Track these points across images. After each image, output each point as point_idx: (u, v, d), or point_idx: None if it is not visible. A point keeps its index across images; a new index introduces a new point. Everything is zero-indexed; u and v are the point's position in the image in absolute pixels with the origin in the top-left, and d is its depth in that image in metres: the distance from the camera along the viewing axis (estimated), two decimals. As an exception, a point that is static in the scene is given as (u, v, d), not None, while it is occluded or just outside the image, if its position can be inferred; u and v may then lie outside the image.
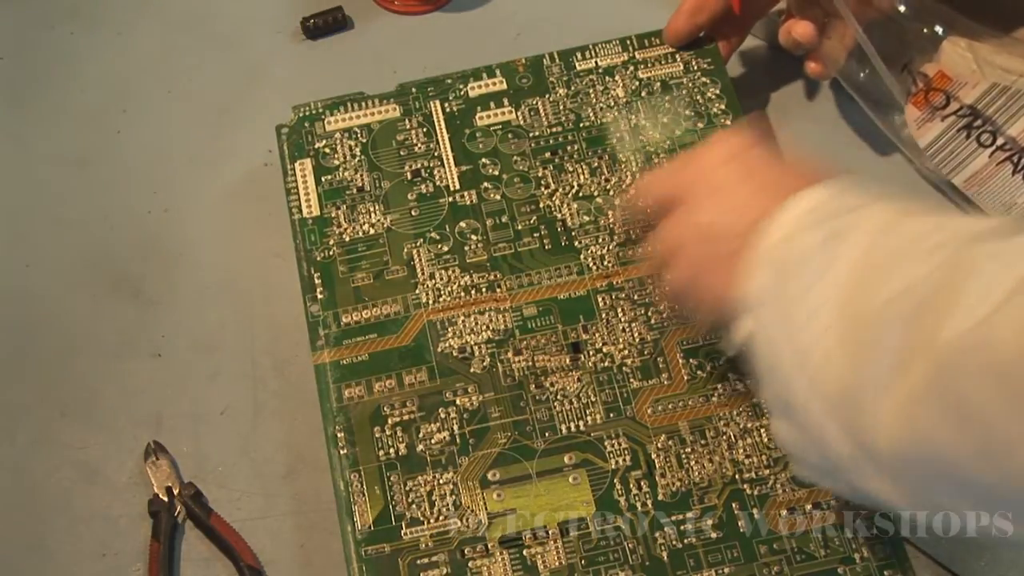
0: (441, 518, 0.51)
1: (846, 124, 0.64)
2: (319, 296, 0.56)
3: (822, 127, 0.64)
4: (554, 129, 0.60)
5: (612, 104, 0.60)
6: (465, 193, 0.58)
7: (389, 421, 0.53)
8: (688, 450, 0.52)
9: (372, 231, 0.57)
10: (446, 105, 0.61)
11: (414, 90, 0.61)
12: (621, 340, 0.54)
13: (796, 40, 0.59)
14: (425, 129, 0.60)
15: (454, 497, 0.51)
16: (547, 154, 0.59)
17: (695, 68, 0.61)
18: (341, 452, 0.52)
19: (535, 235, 0.57)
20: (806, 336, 0.40)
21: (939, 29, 0.59)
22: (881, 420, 0.37)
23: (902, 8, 0.59)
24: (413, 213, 0.58)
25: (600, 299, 0.55)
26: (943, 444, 0.36)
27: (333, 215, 0.58)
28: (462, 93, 0.61)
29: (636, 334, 0.54)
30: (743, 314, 0.43)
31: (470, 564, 0.50)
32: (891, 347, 0.37)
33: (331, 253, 0.57)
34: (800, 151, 0.49)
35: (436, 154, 0.59)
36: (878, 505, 0.40)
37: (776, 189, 0.44)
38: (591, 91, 0.61)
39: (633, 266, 0.56)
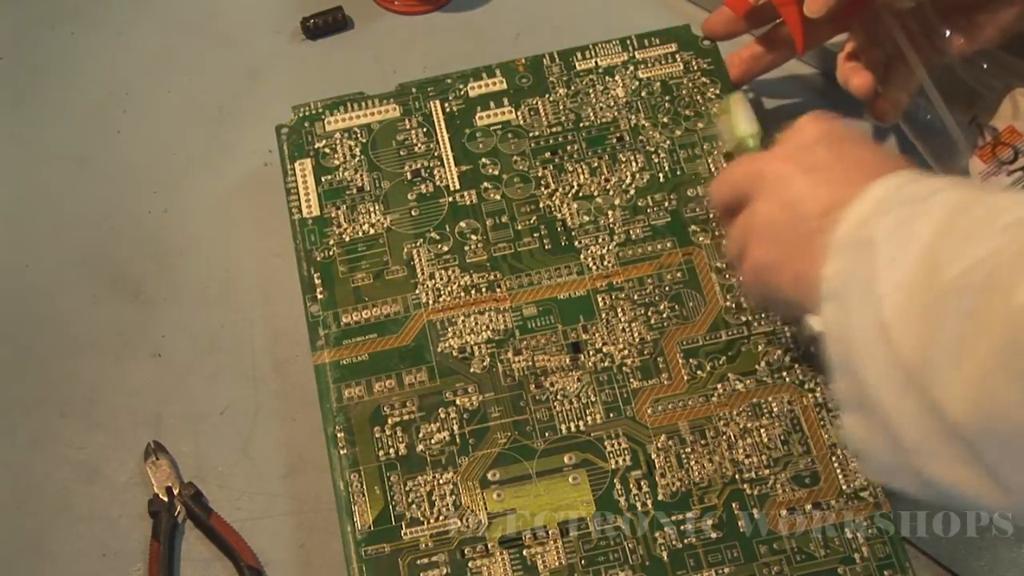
0: (441, 518, 0.51)
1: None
2: (319, 296, 0.56)
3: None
4: (554, 129, 0.60)
5: (612, 104, 0.60)
6: (465, 193, 0.58)
7: (389, 421, 0.53)
8: (688, 450, 0.52)
9: (372, 231, 0.57)
10: (446, 105, 0.61)
11: (414, 90, 0.61)
12: (621, 340, 0.54)
13: (851, 90, 0.58)
14: (425, 129, 0.60)
15: (454, 497, 0.51)
16: (547, 154, 0.59)
17: (695, 68, 0.61)
18: (341, 452, 0.52)
19: (535, 235, 0.57)
20: (882, 313, 0.39)
21: (1010, 81, 0.57)
22: (956, 392, 0.36)
23: (971, 57, 0.57)
24: (413, 213, 0.58)
25: (600, 299, 0.55)
26: (1018, 412, 0.35)
27: (333, 215, 0.58)
28: (462, 93, 0.61)
29: (636, 334, 0.54)
30: (820, 301, 0.42)
31: (470, 564, 0.50)
32: (964, 316, 0.36)
33: (331, 253, 0.57)
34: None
35: (436, 154, 0.59)
36: (949, 499, 0.39)
37: (868, 169, 0.43)
38: (591, 91, 0.61)
39: (633, 266, 0.56)
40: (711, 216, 0.57)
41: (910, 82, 0.58)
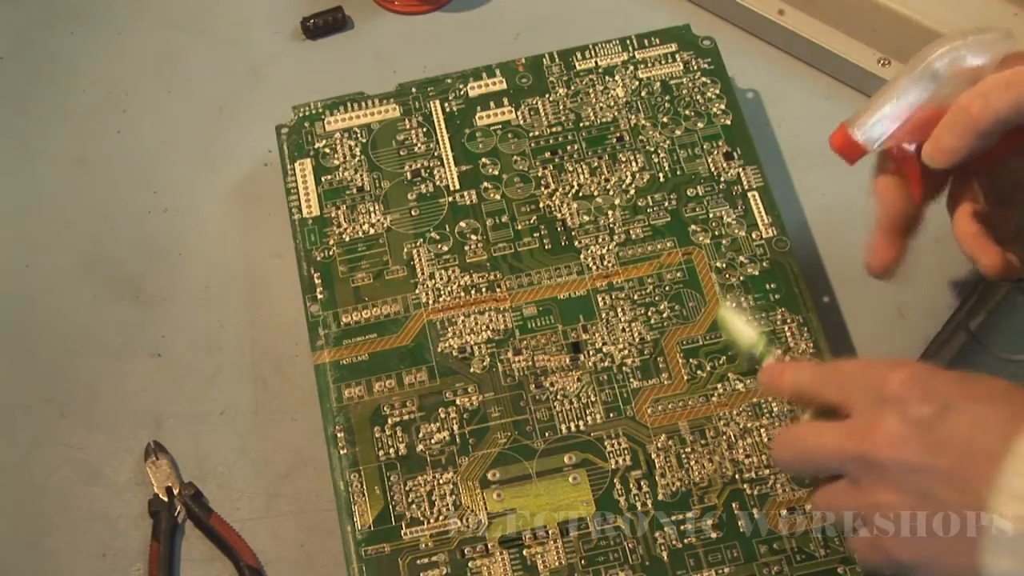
0: (441, 518, 0.51)
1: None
2: (319, 296, 0.56)
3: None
4: (554, 129, 0.60)
5: (612, 104, 0.60)
6: (465, 193, 0.58)
7: (389, 421, 0.53)
8: (688, 450, 0.52)
9: (372, 231, 0.57)
10: (446, 105, 0.61)
11: (414, 90, 0.61)
12: (621, 340, 0.54)
13: (980, 269, 0.48)
14: (425, 129, 0.60)
15: (454, 497, 0.51)
16: (547, 154, 0.59)
17: (695, 68, 0.61)
18: (341, 452, 0.52)
19: (535, 235, 0.57)
20: None
21: None
22: None
23: None
24: (413, 213, 0.58)
25: (600, 299, 0.55)
26: None
27: (333, 215, 0.58)
28: (462, 93, 0.61)
29: (636, 334, 0.54)
30: (1001, 554, 0.37)
31: (470, 564, 0.50)
32: None
33: (331, 253, 0.57)
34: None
35: (436, 154, 0.59)
36: None
37: (997, 429, 0.38)
38: (591, 91, 0.61)
39: (633, 266, 0.56)
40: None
41: None
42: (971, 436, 0.39)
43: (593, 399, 0.53)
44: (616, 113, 0.60)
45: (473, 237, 0.57)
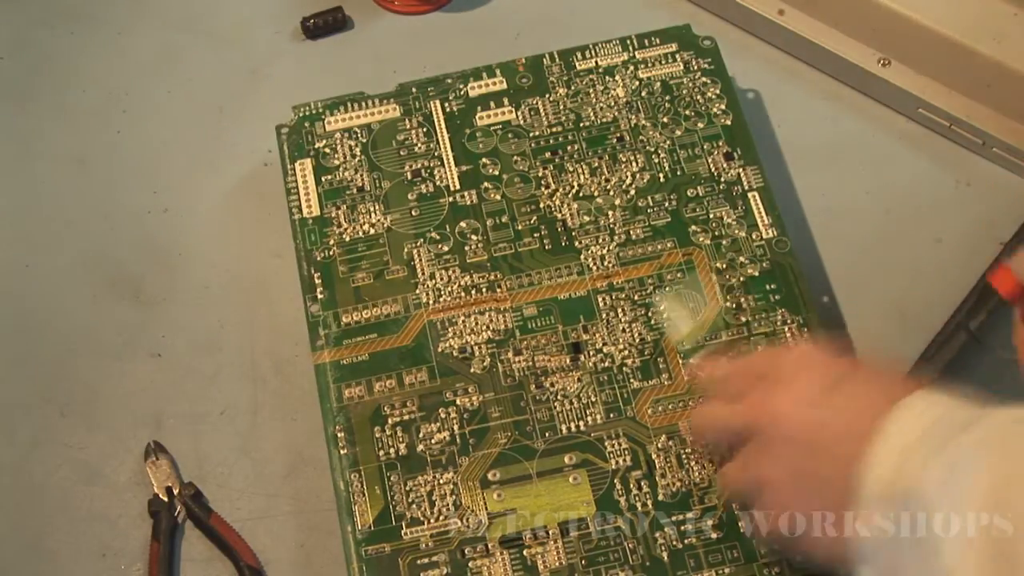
0: (441, 518, 0.51)
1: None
2: (319, 296, 0.56)
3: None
4: (554, 129, 0.60)
5: (612, 104, 0.60)
6: (465, 193, 0.58)
7: (389, 421, 0.53)
8: (688, 450, 0.52)
9: (372, 231, 0.57)
10: (446, 105, 0.61)
11: (414, 90, 0.61)
12: (621, 340, 0.54)
13: None
14: (425, 129, 0.60)
15: (454, 497, 0.51)
16: (547, 154, 0.59)
17: (695, 68, 0.61)
18: (341, 452, 0.52)
19: (535, 235, 0.57)
20: None
21: None
22: None
23: None
24: (413, 213, 0.58)
25: (600, 299, 0.55)
26: None
27: (333, 215, 0.58)
28: (462, 93, 0.61)
29: (636, 334, 0.54)
30: (861, 563, 0.40)
31: (470, 564, 0.50)
32: None
33: (331, 253, 0.57)
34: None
35: (436, 154, 0.59)
36: None
37: (878, 406, 0.41)
38: (591, 91, 0.61)
39: (633, 266, 0.56)
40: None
41: None
42: (851, 416, 0.42)
43: (593, 399, 0.53)
44: (616, 113, 0.60)
45: (473, 237, 0.57)
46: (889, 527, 0.39)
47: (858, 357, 0.44)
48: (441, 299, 0.56)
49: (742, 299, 0.55)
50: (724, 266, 0.56)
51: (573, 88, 0.61)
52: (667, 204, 0.58)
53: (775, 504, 0.44)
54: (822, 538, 0.42)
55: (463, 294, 0.56)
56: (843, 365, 0.44)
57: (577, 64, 0.62)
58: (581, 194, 0.58)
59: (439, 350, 0.54)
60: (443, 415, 0.53)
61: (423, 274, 0.56)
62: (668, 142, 0.59)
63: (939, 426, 0.39)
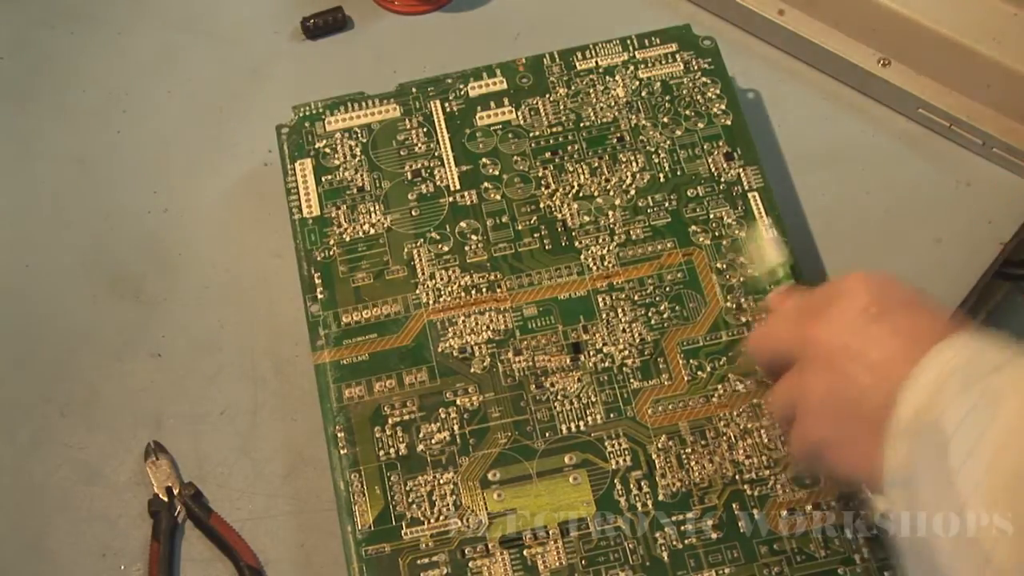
0: (441, 518, 0.51)
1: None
2: (319, 296, 0.56)
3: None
4: (554, 129, 0.60)
5: (612, 104, 0.60)
6: (465, 193, 0.58)
7: (389, 421, 0.53)
8: (688, 450, 0.52)
9: (372, 231, 0.57)
10: (446, 105, 0.61)
11: (414, 90, 0.61)
12: (621, 340, 0.54)
13: None
14: (425, 129, 0.60)
15: (454, 497, 0.51)
16: (547, 154, 0.59)
17: (695, 68, 0.61)
18: (341, 452, 0.52)
19: (535, 235, 0.57)
20: (966, 517, 0.36)
21: None
22: None
23: None
24: (413, 213, 0.58)
25: (600, 299, 0.55)
26: None
27: (333, 215, 0.58)
28: (462, 93, 0.61)
29: (636, 334, 0.54)
30: (885, 490, 0.40)
31: (470, 564, 0.50)
32: None
33: (331, 253, 0.57)
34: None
35: (436, 154, 0.59)
36: None
37: (925, 340, 0.41)
38: (591, 91, 0.61)
39: (633, 266, 0.56)
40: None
41: None
42: (902, 338, 0.42)
43: (593, 399, 0.53)
44: (616, 113, 0.60)
45: (473, 237, 0.57)
46: (912, 455, 0.39)
47: (910, 289, 0.45)
48: (441, 299, 0.56)
49: (742, 299, 0.55)
50: (724, 266, 0.56)
51: (573, 88, 0.61)
52: (667, 204, 0.58)
53: (807, 420, 0.44)
54: (848, 456, 0.43)
55: (463, 294, 0.56)
56: (903, 291, 0.45)
57: (577, 64, 0.62)
58: (581, 194, 0.58)
59: (439, 350, 0.54)
60: (443, 415, 0.53)
61: (423, 274, 0.56)
62: (668, 142, 0.59)
63: (972, 365, 0.40)
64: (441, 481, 0.52)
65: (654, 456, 0.52)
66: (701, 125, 0.60)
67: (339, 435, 0.53)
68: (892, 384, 0.41)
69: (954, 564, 0.37)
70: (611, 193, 0.58)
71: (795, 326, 0.46)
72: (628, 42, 0.62)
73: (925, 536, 0.38)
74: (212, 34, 0.69)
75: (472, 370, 0.54)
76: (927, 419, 0.39)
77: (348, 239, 0.57)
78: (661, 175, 0.58)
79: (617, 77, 0.61)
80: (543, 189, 0.58)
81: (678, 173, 0.58)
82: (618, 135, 0.59)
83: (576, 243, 0.57)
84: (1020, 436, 0.37)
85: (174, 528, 0.54)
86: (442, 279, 0.56)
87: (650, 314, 0.55)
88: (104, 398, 0.58)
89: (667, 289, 0.55)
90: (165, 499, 0.55)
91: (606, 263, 0.56)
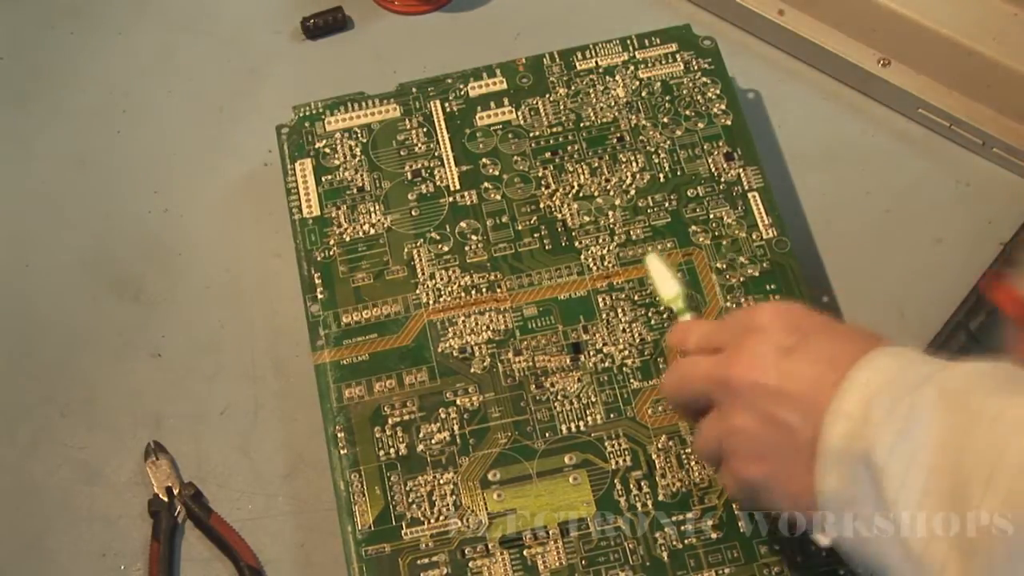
0: (441, 518, 0.51)
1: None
2: (319, 296, 0.56)
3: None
4: (554, 129, 0.60)
5: (612, 104, 0.60)
6: (465, 193, 0.58)
7: (389, 421, 0.53)
8: (688, 451, 0.52)
9: (372, 231, 0.57)
10: (446, 105, 0.61)
11: (414, 90, 0.61)
12: (621, 340, 0.54)
13: None
14: (425, 129, 0.60)
15: (454, 497, 0.51)
16: (547, 154, 0.59)
17: (695, 68, 0.61)
18: (341, 452, 0.52)
19: (535, 235, 0.57)
20: (909, 545, 0.37)
21: None
22: None
23: None
24: (413, 213, 0.58)
25: (600, 299, 0.55)
26: None
27: (333, 215, 0.58)
28: (462, 93, 0.61)
29: (636, 334, 0.54)
30: (825, 519, 0.41)
31: (470, 564, 0.50)
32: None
33: (331, 253, 0.57)
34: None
35: (436, 154, 0.59)
36: None
37: (837, 366, 0.41)
38: (591, 91, 0.61)
39: (634, 266, 0.56)
40: (709, 217, 0.56)
41: None
42: (821, 366, 0.41)
43: (593, 399, 0.53)
44: (616, 113, 0.60)
45: (473, 237, 0.57)
46: (848, 482, 0.39)
47: (823, 317, 0.45)
48: (441, 299, 0.56)
49: (742, 299, 0.55)
50: (724, 266, 0.56)
51: (573, 88, 0.61)
52: (667, 204, 0.58)
53: (736, 463, 0.44)
54: (784, 493, 0.43)
55: (463, 294, 0.56)
56: (815, 319, 0.45)
57: (577, 64, 0.62)
58: (581, 194, 0.58)
59: (439, 350, 0.54)
60: (443, 415, 0.53)
61: (423, 274, 0.56)
62: (668, 142, 0.59)
63: (900, 380, 0.40)
64: (441, 481, 0.52)
65: (654, 456, 0.52)
66: (701, 125, 0.60)
67: (339, 435, 0.53)
68: (819, 416, 0.40)
69: None
70: (611, 193, 0.58)
71: (710, 367, 0.45)
72: (628, 42, 0.62)
73: (876, 565, 0.39)
74: (212, 34, 0.69)
75: (472, 370, 0.54)
76: (856, 449, 0.39)
77: (348, 239, 0.57)
78: (661, 175, 0.58)
79: (617, 77, 0.61)
80: (543, 189, 0.58)
81: (678, 173, 0.58)
82: (618, 135, 0.59)
83: (576, 243, 0.57)
84: (949, 456, 0.37)
85: (174, 528, 0.54)
86: (442, 279, 0.56)
87: (650, 314, 0.55)
88: (104, 398, 0.58)
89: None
90: (165, 499, 0.55)
91: (606, 263, 0.56)
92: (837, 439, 0.40)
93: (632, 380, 0.53)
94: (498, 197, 0.58)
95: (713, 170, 0.58)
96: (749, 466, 0.43)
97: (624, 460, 0.52)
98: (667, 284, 0.52)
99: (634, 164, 0.59)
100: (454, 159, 0.59)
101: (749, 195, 0.58)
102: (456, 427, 0.53)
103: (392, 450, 0.52)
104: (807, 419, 0.41)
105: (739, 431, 0.43)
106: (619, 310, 0.55)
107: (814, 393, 0.41)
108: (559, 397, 0.53)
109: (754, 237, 0.56)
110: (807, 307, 0.45)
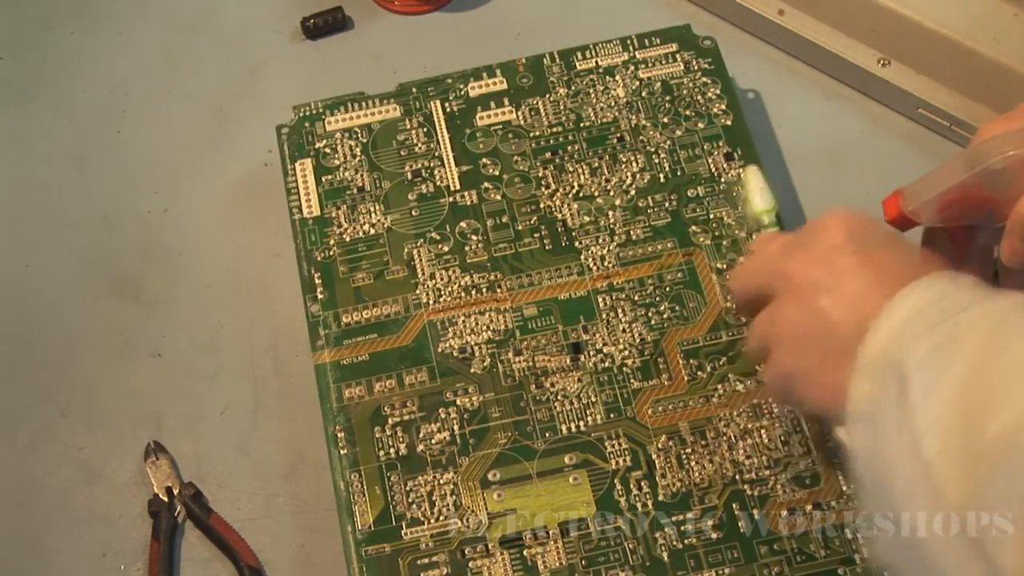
0: (441, 518, 0.51)
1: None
2: (319, 296, 0.56)
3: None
4: (554, 129, 0.60)
5: (612, 104, 0.60)
6: (465, 193, 0.58)
7: (389, 421, 0.53)
8: (688, 451, 0.52)
9: (372, 231, 0.57)
10: (446, 105, 0.61)
11: (414, 90, 0.61)
12: (621, 340, 0.54)
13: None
14: (425, 129, 0.60)
15: (454, 497, 0.51)
16: (547, 154, 0.59)
17: (695, 68, 0.61)
18: (341, 452, 0.52)
19: (535, 235, 0.57)
20: (921, 450, 0.37)
21: None
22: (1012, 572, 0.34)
23: None
24: (413, 213, 0.58)
25: (600, 299, 0.55)
26: None
27: (333, 215, 0.58)
28: (462, 93, 0.61)
29: (636, 334, 0.54)
30: (848, 424, 0.41)
31: (470, 564, 0.50)
32: (1016, 492, 0.34)
33: (331, 253, 0.57)
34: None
35: (436, 154, 0.59)
36: None
37: (896, 277, 0.41)
38: (591, 91, 0.61)
39: (634, 267, 0.56)
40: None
41: None
42: (878, 274, 0.43)
43: (593, 400, 0.53)
44: (616, 113, 0.60)
45: (473, 237, 0.57)
46: (875, 391, 0.40)
47: (887, 229, 0.46)
48: (441, 299, 0.56)
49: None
50: (724, 266, 0.56)
51: (573, 88, 0.61)
52: (667, 204, 0.58)
53: (778, 352, 0.45)
54: (815, 388, 0.43)
55: (463, 294, 0.56)
56: (881, 230, 0.45)
57: (577, 64, 0.62)
58: (581, 194, 0.58)
59: (439, 350, 0.54)
60: (443, 415, 0.53)
61: (423, 274, 0.56)
62: (668, 142, 0.59)
63: (940, 306, 0.40)
64: (441, 481, 0.52)
65: (654, 456, 0.52)
66: (701, 125, 0.60)
67: (339, 435, 0.53)
68: (861, 318, 0.41)
69: (908, 498, 0.38)
70: (611, 193, 0.58)
71: (774, 260, 0.47)
72: (628, 42, 0.62)
73: (884, 472, 0.39)
74: (212, 34, 0.69)
75: (472, 370, 0.54)
76: (891, 357, 0.39)
77: (348, 239, 0.57)
78: (661, 175, 0.58)
79: (617, 77, 0.61)
80: (543, 189, 0.58)
81: (678, 173, 0.58)
82: (618, 135, 0.59)
83: (576, 243, 0.57)
84: (977, 377, 0.37)
85: (174, 528, 0.54)
86: (442, 279, 0.56)
87: (650, 314, 0.55)
88: (104, 398, 0.58)
89: (667, 289, 0.55)
90: (165, 499, 0.55)
91: (606, 263, 0.56)
92: (878, 347, 0.40)
93: (632, 380, 0.53)
94: (498, 197, 0.58)
95: (713, 170, 0.58)
96: (788, 355, 0.45)
97: (624, 460, 0.52)
98: (765, 196, 0.55)
99: (634, 164, 0.59)
100: (454, 159, 0.59)
101: (749, 195, 0.58)
102: (456, 427, 0.53)
103: (392, 450, 0.52)
104: (851, 319, 0.42)
105: (788, 320, 0.45)
106: (619, 310, 0.55)
107: (863, 296, 0.42)
108: (559, 397, 0.53)
109: (754, 237, 0.56)
110: (872, 218, 0.46)
